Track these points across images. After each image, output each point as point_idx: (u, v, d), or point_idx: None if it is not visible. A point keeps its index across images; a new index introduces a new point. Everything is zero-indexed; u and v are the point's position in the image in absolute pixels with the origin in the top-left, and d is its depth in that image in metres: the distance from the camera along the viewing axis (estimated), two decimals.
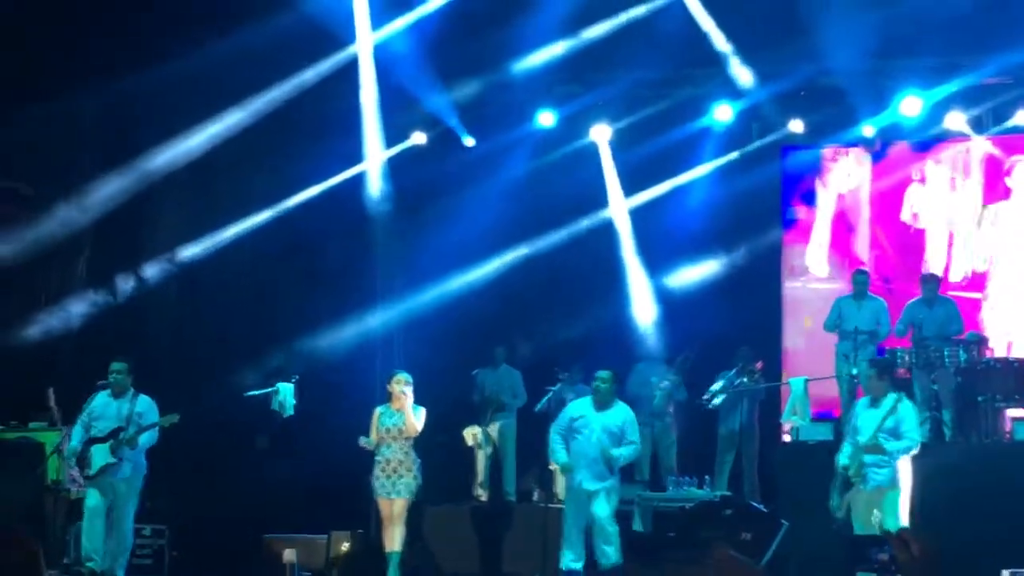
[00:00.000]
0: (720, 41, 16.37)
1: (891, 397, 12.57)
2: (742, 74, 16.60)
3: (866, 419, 12.55)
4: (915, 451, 12.46)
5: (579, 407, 13.49)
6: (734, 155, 17.74)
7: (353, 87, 16.68)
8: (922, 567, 4.68)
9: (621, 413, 13.41)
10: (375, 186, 16.94)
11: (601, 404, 13.36)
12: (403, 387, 13.72)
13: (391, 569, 13.77)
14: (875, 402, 12.62)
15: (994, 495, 13.71)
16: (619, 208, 18.03)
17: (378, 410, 13.85)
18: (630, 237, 17.99)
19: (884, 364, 13.37)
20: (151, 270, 16.14)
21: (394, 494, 13.69)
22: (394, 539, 13.72)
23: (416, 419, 13.63)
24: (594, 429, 13.23)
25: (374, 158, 17.04)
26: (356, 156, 17.11)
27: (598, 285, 17.75)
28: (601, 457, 13.13)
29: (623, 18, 16.39)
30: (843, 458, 12.55)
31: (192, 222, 16.42)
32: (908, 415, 12.50)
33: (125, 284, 15.89)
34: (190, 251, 16.28)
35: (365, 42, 16.47)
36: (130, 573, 13.72)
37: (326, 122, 16.81)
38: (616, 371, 13.84)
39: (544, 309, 17.42)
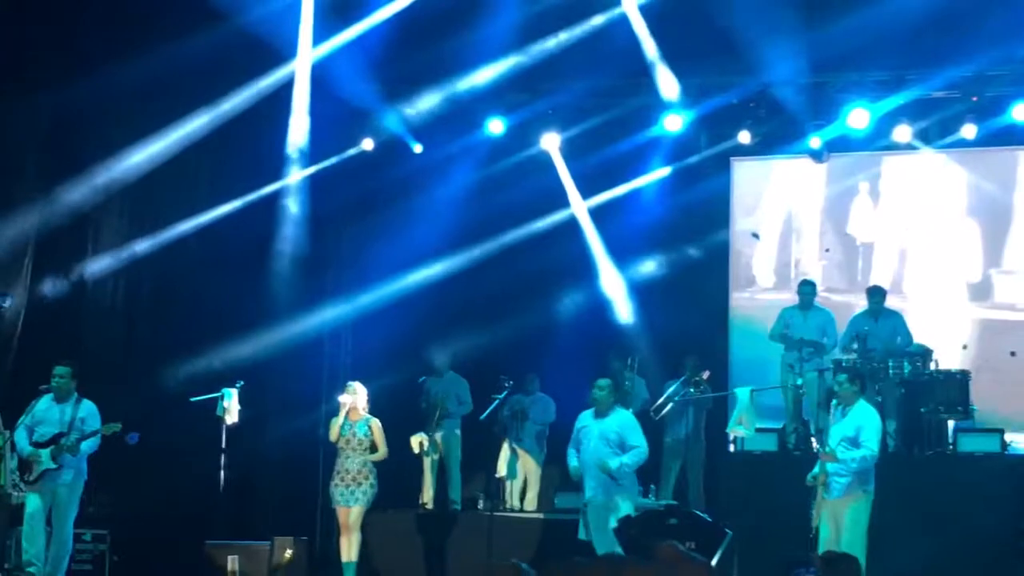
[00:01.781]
0: (651, 52, 16.43)
1: (858, 404, 12.40)
2: (668, 87, 16.65)
3: (834, 428, 12.34)
4: (872, 460, 12.21)
5: (582, 418, 13.33)
6: (678, 165, 17.81)
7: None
8: None
9: (618, 418, 13.17)
10: (294, 203, 16.84)
11: (600, 412, 13.24)
12: (342, 395, 13.89)
13: None
14: (845, 411, 12.38)
15: (937, 507, 13.81)
16: (580, 211, 18.09)
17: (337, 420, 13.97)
18: (597, 239, 18.02)
19: (854, 371, 13.22)
20: (94, 272, 15.98)
21: (352, 502, 13.82)
22: (351, 547, 13.83)
23: (380, 441, 13.91)
24: (592, 438, 13.14)
25: (295, 174, 16.92)
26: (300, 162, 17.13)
27: (548, 291, 17.79)
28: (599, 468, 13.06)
29: (574, 32, 16.41)
30: (816, 468, 12.48)
31: (137, 225, 16.29)
32: (868, 423, 12.26)
33: (68, 286, 15.73)
34: (134, 251, 16.16)
35: (304, 55, 16.40)
36: None
37: (273, 129, 16.74)
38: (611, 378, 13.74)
39: (492, 315, 17.40)
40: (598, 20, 16.41)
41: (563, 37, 16.46)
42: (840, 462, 12.14)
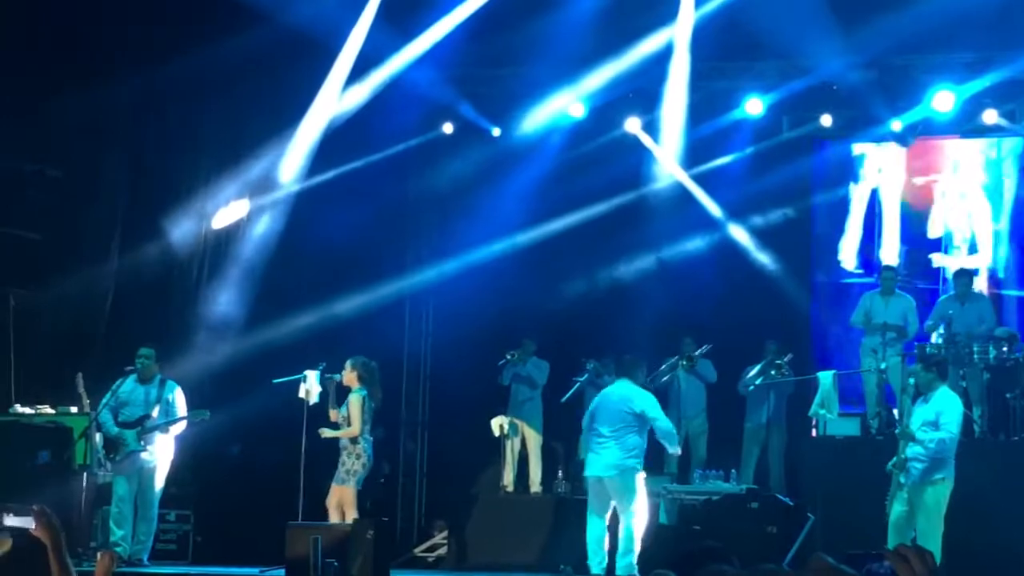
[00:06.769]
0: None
1: (939, 390, 12.34)
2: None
3: (916, 413, 12.35)
4: (951, 443, 12.20)
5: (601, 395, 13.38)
6: (760, 148, 17.68)
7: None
8: None
9: (638, 397, 13.16)
10: (263, 222, 16.63)
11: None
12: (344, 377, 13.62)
13: None
14: (925, 398, 12.38)
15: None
16: (685, 181, 17.94)
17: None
18: (686, 217, 17.94)
19: (928, 358, 13.14)
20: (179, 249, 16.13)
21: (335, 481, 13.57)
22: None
23: (355, 417, 13.40)
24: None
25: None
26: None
27: (625, 272, 17.80)
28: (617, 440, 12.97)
29: (660, 38, 16.32)
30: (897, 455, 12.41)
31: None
32: (949, 407, 12.26)
33: (154, 255, 15.87)
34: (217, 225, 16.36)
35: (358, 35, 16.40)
36: (154, 558, 13.80)
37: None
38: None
39: (576, 296, 17.42)
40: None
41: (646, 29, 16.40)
42: (918, 442, 12.13)
